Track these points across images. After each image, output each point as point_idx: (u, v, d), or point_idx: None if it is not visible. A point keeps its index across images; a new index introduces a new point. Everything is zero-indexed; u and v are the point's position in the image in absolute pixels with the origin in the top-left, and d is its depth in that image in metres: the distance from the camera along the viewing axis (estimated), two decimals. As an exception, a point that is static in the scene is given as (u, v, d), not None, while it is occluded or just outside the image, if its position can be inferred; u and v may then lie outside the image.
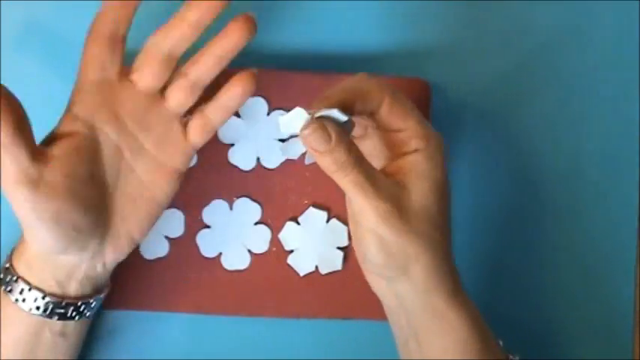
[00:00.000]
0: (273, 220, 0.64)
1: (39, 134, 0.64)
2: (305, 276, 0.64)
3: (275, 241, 0.64)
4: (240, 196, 0.64)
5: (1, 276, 0.56)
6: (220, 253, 0.64)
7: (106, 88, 0.55)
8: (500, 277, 0.67)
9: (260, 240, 0.64)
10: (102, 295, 0.58)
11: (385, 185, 0.52)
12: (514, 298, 0.67)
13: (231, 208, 0.64)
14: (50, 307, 0.55)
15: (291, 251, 0.64)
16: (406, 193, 0.53)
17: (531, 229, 0.67)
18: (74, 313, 0.56)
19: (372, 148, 0.57)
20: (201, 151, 0.60)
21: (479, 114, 0.66)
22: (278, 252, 0.64)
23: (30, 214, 0.51)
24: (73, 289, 0.56)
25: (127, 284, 0.63)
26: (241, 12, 0.64)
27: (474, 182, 0.66)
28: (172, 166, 0.57)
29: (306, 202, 0.64)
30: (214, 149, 0.62)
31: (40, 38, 0.65)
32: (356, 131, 0.56)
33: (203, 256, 0.64)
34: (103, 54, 0.55)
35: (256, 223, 0.64)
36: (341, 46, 0.66)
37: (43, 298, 0.55)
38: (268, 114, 0.64)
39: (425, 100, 0.64)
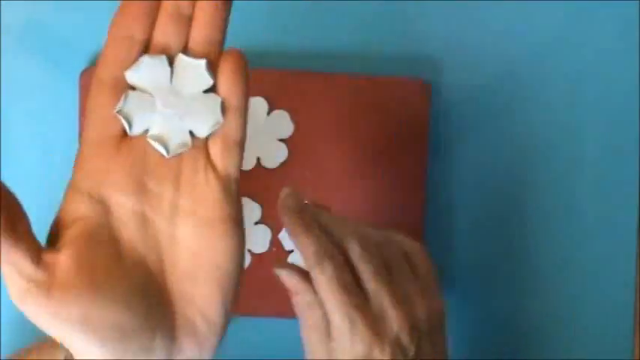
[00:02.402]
0: (273, 220, 0.64)
1: (40, 134, 0.65)
2: (305, 276, 0.64)
3: (275, 241, 0.64)
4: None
5: None
6: (220, 253, 0.64)
7: (111, 146, 0.41)
8: (500, 276, 0.67)
9: (260, 240, 0.64)
10: None
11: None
12: (513, 298, 0.67)
13: (231, 208, 0.64)
14: None
15: (292, 251, 0.64)
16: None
17: (531, 228, 0.67)
18: None
19: None
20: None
21: (478, 114, 0.66)
22: (278, 252, 0.64)
23: (54, 324, 0.40)
24: None
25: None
26: (245, 15, 0.65)
27: (473, 182, 0.66)
28: (220, 215, 0.42)
29: (306, 202, 0.64)
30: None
31: (40, 38, 0.65)
32: None
33: (203, 256, 0.64)
34: (105, 106, 0.41)
35: (256, 223, 0.64)
36: (341, 47, 0.66)
37: None
38: (268, 114, 0.64)
39: (424, 101, 0.64)
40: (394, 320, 0.51)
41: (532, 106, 0.66)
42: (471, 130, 0.66)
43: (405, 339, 0.51)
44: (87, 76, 0.63)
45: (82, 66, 0.64)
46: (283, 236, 0.64)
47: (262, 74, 0.63)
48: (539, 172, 0.67)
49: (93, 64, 0.65)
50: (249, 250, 0.64)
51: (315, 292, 0.52)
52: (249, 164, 0.64)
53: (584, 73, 0.67)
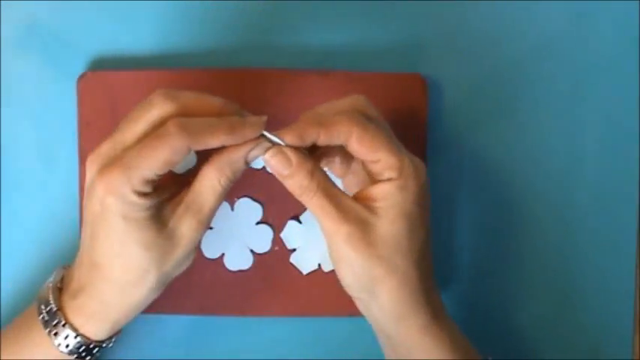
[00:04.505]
0: (274, 220, 0.64)
1: (40, 134, 0.64)
2: (308, 274, 0.64)
3: (277, 240, 0.64)
4: (241, 196, 0.64)
5: (46, 318, 0.55)
6: (223, 254, 0.64)
7: None
8: (500, 276, 0.67)
9: (262, 239, 0.64)
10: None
11: (351, 209, 0.54)
12: (513, 298, 0.67)
13: (232, 209, 0.64)
14: (87, 351, 0.56)
15: (294, 250, 0.64)
16: (375, 218, 0.54)
17: (531, 227, 0.67)
18: (98, 352, 0.57)
19: (358, 173, 0.59)
20: (202, 153, 0.60)
21: (476, 110, 0.66)
22: (280, 251, 0.64)
23: None
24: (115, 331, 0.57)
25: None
26: (243, 15, 0.65)
27: (470, 180, 0.66)
28: None
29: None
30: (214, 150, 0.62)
31: (40, 38, 0.64)
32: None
33: (206, 257, 0.64)
34: None
35: (258, 223, 0.64)
36: (339, 44, 0.66)
37: (89, 344, 0.56)
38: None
39: (422, 96, 0.64)
40: None
41: (532, 105, 0.67)
42: (469, 125, 0.66)
43: None
44: (85, 80, 0.63)
45: (82, 66, 0.64)
46: (285, 235, 0.64)
47: (261, 74, 0.63)
48: (537, 170, 0.67)
49: (91, 68, 0.64)
50: (252, 250, 0.64)
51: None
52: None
53: (585, 73, 0.67)
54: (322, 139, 0.54)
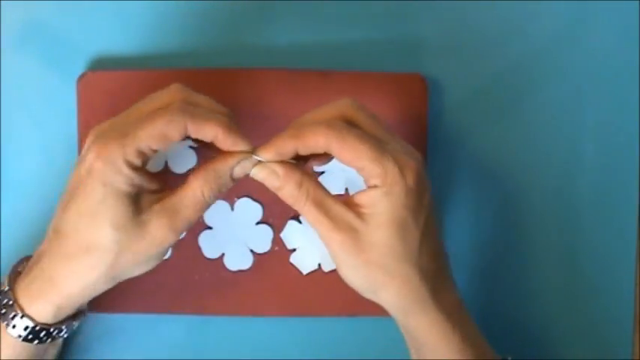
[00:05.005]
0: (274, 219, 0.64)
1: (40, 134, 0.64)
2: (308, 274, 0.64)
3: (277, 240, 0.64)
4: (241, 196, 0.64)
5: None
6: (223, 254, 0.64)
7: None
8: (499, 276, 0.67)
9: (262, 239, 0.64)
10: (78, 322, 0.59)
11: (341, 217, 0.54)
12: (513, 298, 0.67)
13: (232, 209, 0.64)
14: (33, 334, 0.56)
15: (294, 250, 0.64)
16: (364, 226, 0.54)
17: (530, 228, 0.67)
18: (47, 338, 0.57)
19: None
20: (202, 155, 0.60)
21: (476, 110, 0.66)
22: (280, 251, 0.64)
23: None
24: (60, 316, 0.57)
25: (130, 287, 0.62)
26: (242, 15, 0.65)
27: (470, 179, 0.66)
28: None
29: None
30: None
31: (40, 38, 0.65)
32: None
33: (206, 257, 0.64)
34: None
35: (258, 223, 0.64)
36: (339, 44, 0.66)
37: (35, 327, 0.56)
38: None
39: (422, 96, 0.64)
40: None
41: (532, 105, 0.67)
42: (469, 125, 0.66)
43: None
44: (85, 80, 0.63)
45: (82, 66, 0.64)
46: (285, 235, 0.64)
47: (261, 74, 0.63)
48: (538, 170, 0.67)
49: (91, 68, 0.64)
50: (252, 250, 0.64)
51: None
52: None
53: (585, 73, 0.67)
54: (302, 151, 0.54)
